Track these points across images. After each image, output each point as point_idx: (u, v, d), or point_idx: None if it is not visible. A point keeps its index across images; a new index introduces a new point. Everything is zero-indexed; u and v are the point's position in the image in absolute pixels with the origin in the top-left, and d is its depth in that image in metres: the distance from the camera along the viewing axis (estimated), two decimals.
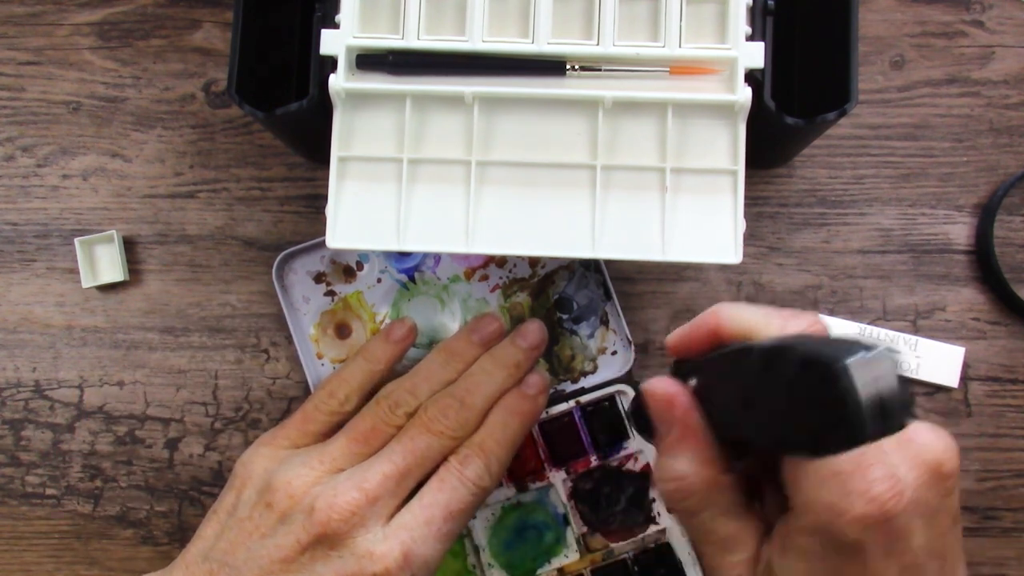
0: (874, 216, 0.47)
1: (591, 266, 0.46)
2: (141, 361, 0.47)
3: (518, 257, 0.46)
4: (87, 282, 0.47)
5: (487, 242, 0.36)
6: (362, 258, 0.46)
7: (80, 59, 0.49)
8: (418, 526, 0.34)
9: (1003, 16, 0.48)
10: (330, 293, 0.46)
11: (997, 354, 0.46)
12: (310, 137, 0.43)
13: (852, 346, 0.23)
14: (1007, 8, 0.48)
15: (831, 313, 0.46)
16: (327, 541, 0.33)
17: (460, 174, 0.37)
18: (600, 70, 0.36)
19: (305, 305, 0.46)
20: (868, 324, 0.46)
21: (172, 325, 0.48)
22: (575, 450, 0.44)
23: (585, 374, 0.46)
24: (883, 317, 0.47)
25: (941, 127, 0.48)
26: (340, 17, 0.36)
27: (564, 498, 0.44)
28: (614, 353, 0.46)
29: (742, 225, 0.36)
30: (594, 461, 0.44)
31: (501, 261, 0.46)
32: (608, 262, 0.46)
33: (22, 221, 0.48)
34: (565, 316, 0.46)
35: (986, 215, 0.46)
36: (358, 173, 0.37)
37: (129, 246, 0.48)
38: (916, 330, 0.46)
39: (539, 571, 0.44)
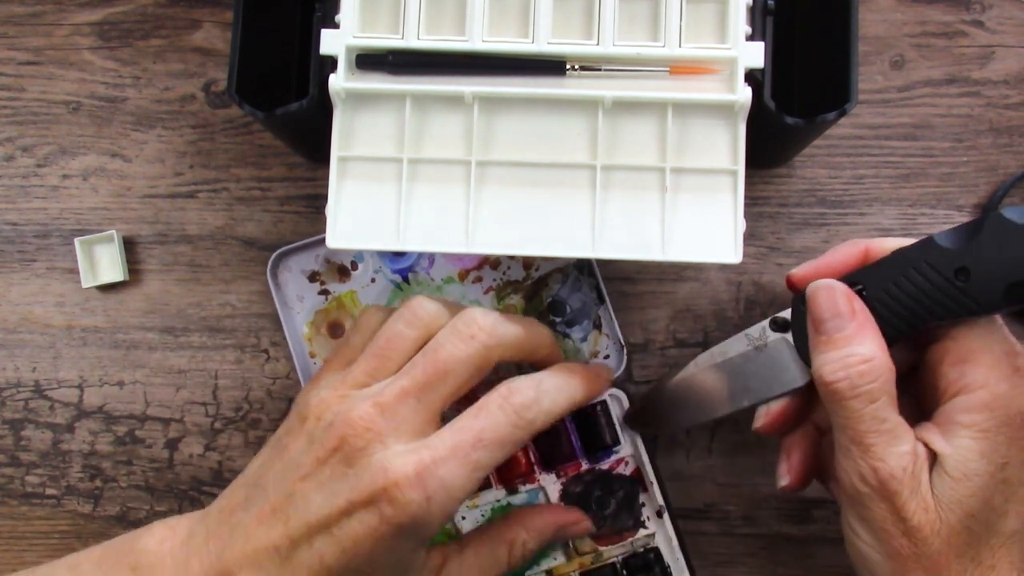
0: (874, 216, 0.47)
1: (584, 269, 0.46)
2: (141, 361, 0.47)
3: (512, 259, 0.46)
4: (87, 282, 0.47)
5: (487, 242, 0.36)
6: (357, 258, 0.46)
7: (80, 59, 0.49)
8: (442, 448, 0.32)
9: (1003, 16, 0.48)
10: (324, 292, 0.46)
11: None
12: (310, 137, 0.43)
13: None
14: (1007, 8, 0.48)
15: None
16: (342, 456, 0.32)
17: (460, 174, 0.37)
18: (600, 70, 0.36)
19: (299, 304, 0.46)
20: None
21: (172, 325, 0.48)
22: (565, 454, 0.44)
23: None
24: None
25: (941, 127, 0.48)
26: (340, 17, 0.37)
27: (554, 501, 0.44)
28: (607, 357, 0.46)
29: (742, 225, 0.36)
30: (584, 465, 0.44)
31: (495, 263, 0.46)
32: (605, 263, 0.46)
33: (22, 221, 0.48)
34: (558, 319, 0.46)
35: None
36: (358, 173, 0.37)
37: (129, 246, 0.48)
38: None
39: (528, 574, 0.44)
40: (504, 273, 0.46)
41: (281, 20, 0.43)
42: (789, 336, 0.38)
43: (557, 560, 0.44)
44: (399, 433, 0.33)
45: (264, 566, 0.32)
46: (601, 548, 0.44)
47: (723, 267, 0.47)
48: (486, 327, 0.35)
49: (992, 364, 0.33)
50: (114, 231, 0.47)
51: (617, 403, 0.44)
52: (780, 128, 0.37)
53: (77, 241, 0.47)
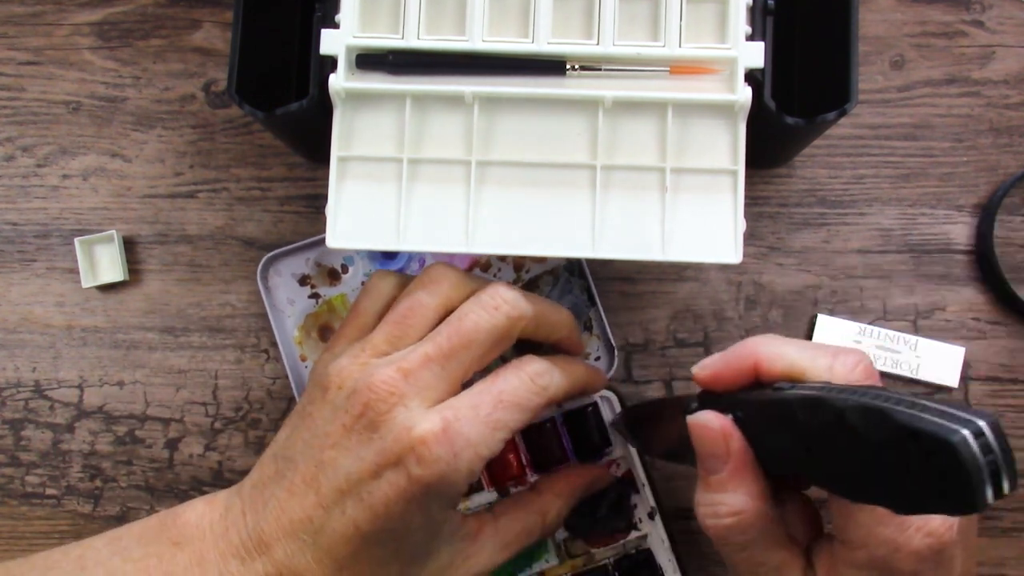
0: (874, 216, 0.47)
1: (575, 271, 0.46)
2: (141, 361, 0.47)
3: (502, 260, 0.46)
4: (87, 282, 0.47)
5: (487, 242, 0.36)
6: (347, 261, 0.46)
7: (80, 59, 0.49)
8: (463, 407, 0.33)
9: (1003, 16, 0.48)
10: (315, 296, 0.46)
11: (997, 354, 0.46)
12: (310, 137, 0.43)
13: (949, 415, 0.23)
14: (1007, 8, 0.48)
15: (831, 313, 0.46)
16: (367, 422, 0.32)
17: (460, 174, 0.37)
18: (600, 70, 0.36)
19: (289, 307, 0.46)
20: (868, 324, 0.46)
21: (172, 325, 0.48)
22: (557, 456, 0.44)
23: None
24: (883, 317, 0.47)
25: (941, 127, 0.48)
26: (340, 17, 0.36)
27: None
28: (597, 359, 0.46)
29: (742, 225, 0.36)
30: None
31: (486, 265, 0.46)
32: (603, 263, 0.46)
33: (22, 221, 0.48)
34: None
35: (986, 215, 0.46)
36: (358, 173, 0.37)
37: (129, 246, 0.48)
38: (916, 330, 0.46)
39: (520, 575, 0.44)
40: (495, 275, 0.46)
41: (281, 20, 0.43)
42: None
43: (549, 562, 0.44)
44: (422, 397, 0.33)
45: (299, 536, 0.32)
46: (593, 550, 0.44)
47: (723, 267, 0.47)
48: (510, 299, 0.35)
49: (871, 523, 0.29)
50: (114, 231, 0.47)
51: (608, 405, 0.44)
52: (780, 128, 0.37)
53: (77, 241, 0.47)
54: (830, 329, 0.46)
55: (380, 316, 0.37)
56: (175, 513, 0.36)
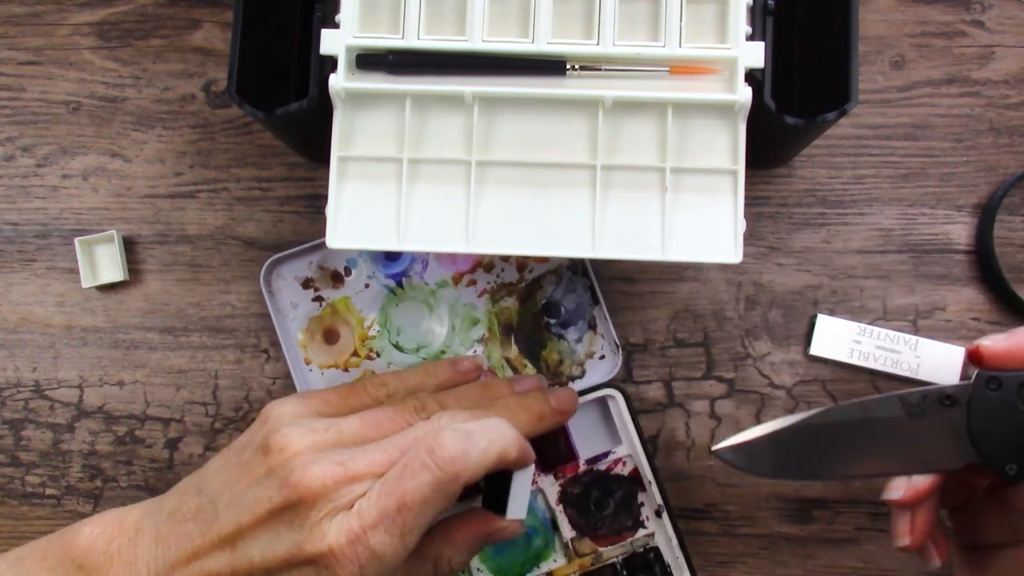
0: (874, 216, 0.47)
1: (579, 270, 0.46)
2: (141, 361, 0.47)
3: (505, 261, 0.46)
4: (87, 282, 0.47)
5: (487, 242, 0.36)
6: (350, 263, 0.46)
7: (80, 59, 0.49)
8: (370, 516, 0.32)
9: (1003, 16, 0.48)
10: (318, 299, 0.46)
11: None
12: (310, 137, 0.43)
13: None
14: (1007, 8, 0.48)
15: (831, 313, 0.46)
16: (294, 509, 0.33)
17: (460, 174, 0.37)
18: (600, 70, 0.36)
19: (293, 311, 0.46)
20: (868, 324, 0.46)
21: (172, 325, 0.48)
22: (563, 455, 0.44)
23: (573, 379, 0.46)
24: (883, 317, 0.47)
25: (941, 127, 0.48)
26: (340, 17, 0.36)
27: (553, 503, 0.44)
28: (602, 357, 0.46)
29: (742, 225, 0.36)
30: (582, 466, 0.44)
31: (489, 265, 0.46)
32: (604, 263, 0.46)
33: (22, 221, 0.48)
34: (553, 320, 0.46)
35: (986, 215, 0.46)
36: (358, 173, 0.37)
37: (129, 246, 0.48)
38: (916, 330, 0.46)
39: (528, 575, 0.44)
40: (498, 276, 0.46)
41: (281, 20, 0.43)
42: (954, 412, 0.35)
43: (557, 562, 0.44)
44: (348, 500, 0.33)
45: None
46: (601, 549, 0.44)
47: (723, 267, 0.47)
48: (463, 458, 0.33)
49: None
50: (114, 231, 0.47)
51: (615, 405, 0.44)
52: (780, 128, 0.37)
53: (77, 241, 0.47)
54: (830, 329, 0.46)
55: (368, 406, 0.38)
56: (78, 532, 0.35)
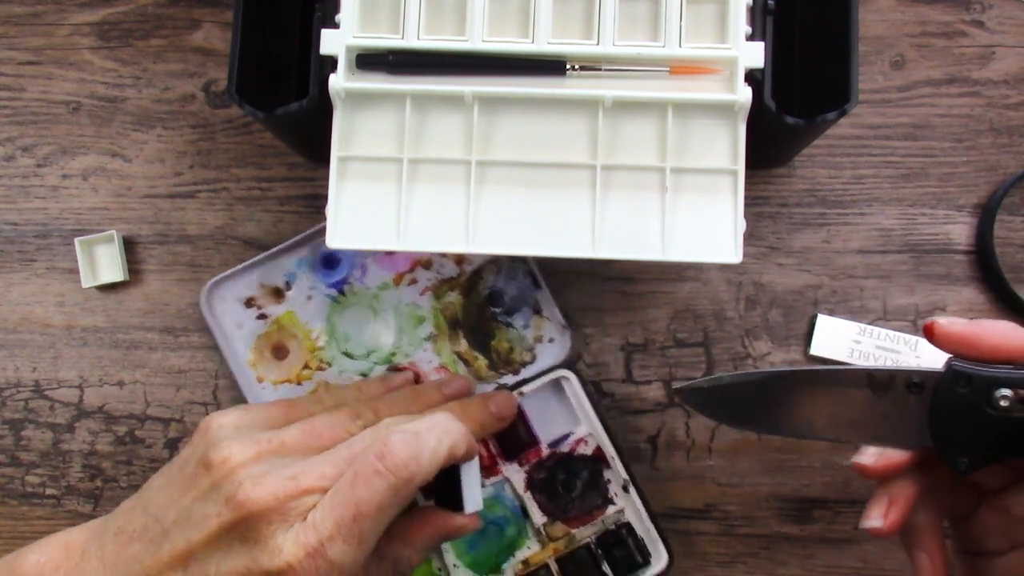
0: (874, 216, 0.47)
1: (517, 257, 0.46)
2: (141, 361, 0.47)
3: (443, 256, 0.46)
4: (87, 282, 0.47)
5: (487, 242, 0.36)
6: (289, 278, 0.46)
7: (80, 59, 0.49)
8: (326, 527, 0.32)
9: (1003, 16, 0.48)
10: (262, 316, 0.46)
11: None
12: (310, 137, 0.43)
13: None
14: (1007, 8, 0.48)
15: (831, 313, 0.46)
16: (245, 525, 0.32)
17: (460, 174, 0.37)
18: (600, 70, 0.36)
19: (239, 331, 0.46)
20: (868, 324, 0.46)
21: (172, 325, 0.48)
22: (525, 442, 0.45)
23: (524, 364, 0.46)
24: (883, 317, 0.47)
25: (941, 127, 0.48)
26: (340, 17, 0.37)
27: (520, 490, 0.45)
28: (551, 340, 0.46)
29: (742, 225, 0.36)
30: (545, 451, 0.45)
31: (427, 263, 0.46)
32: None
33: (22, 221, 0.48)
34: (498, 310, 0.46)
35: (986, 215, 0.46)
36: (358, 173, 0.37)
37: (129, 246, 0.48)
38: (916, 330, 0.46)
39: (504, 566, 0.44)
40: (438, 272, 0.46)
41: (281, 20, 0.43)
42: (917, 399, 0.35)
43: (532, 549, 0.44)
44: (298, 514, 0.32)
45: None
46: (573, 530, 0.44)
47: (723, 267, 0.47)
48: (411, 460, 0.33)
49: None
50: (114, 231, 0.47)
51: (568, 385, 0.44)
52: (780, 128, 0.37)
53: (77, 241, 0.47)
54: (830, 329, 0.46)
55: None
56: (23, 559, 0.35)
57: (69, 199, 0.48)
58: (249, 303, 0.46)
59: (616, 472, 0.44)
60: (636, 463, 0.46)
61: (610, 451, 0.44)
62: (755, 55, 0.36)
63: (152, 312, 0.48)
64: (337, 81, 0.36)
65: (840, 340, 0.46)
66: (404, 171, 0.37)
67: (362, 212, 0.37)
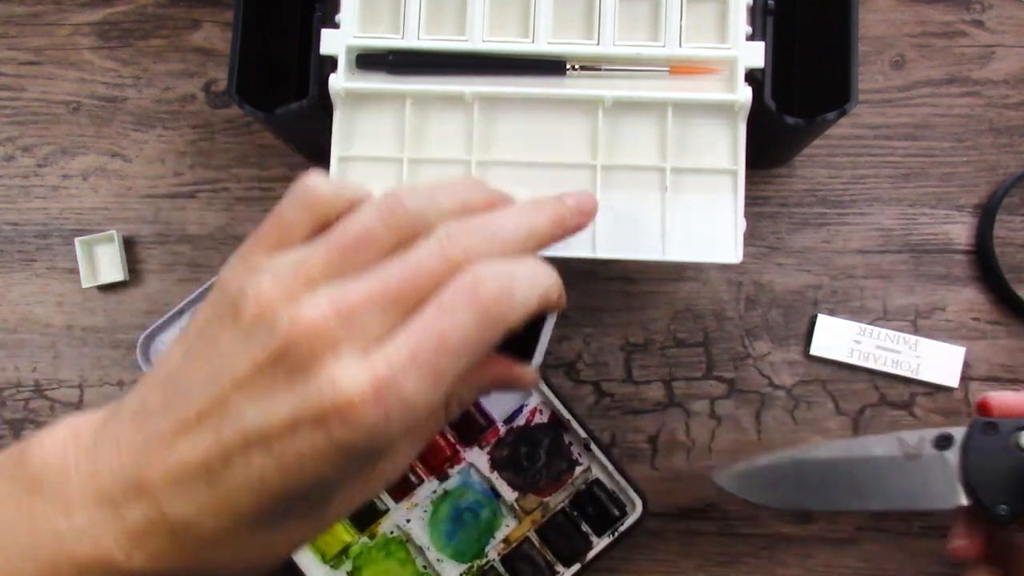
0: (874, 216, 0.47)
1: None
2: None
3: None
4: (87, 282, 0.47)
5: None
6: None
7: (80, 59, 0.49)
8: (400, 357, 0.26)
9: (1003, 16, 0.48)
10: None
11: (997, 354, 0.46)
12: (310, 137, 0.43)
13: None
14: (1007, 8, 0.48)
15: (831, 313, 0.46)
16: (287, 362, 0.26)
17: (461, 174, 0.37)
18: (600, 70, 0.36)
19: None
20: (868, 324, 0.46)
21: None
22: (481, 424, 0.45)
23: None
24: (883, 317, 0.47)
25: (941, 127, 0.48)
26: (340, 17, 0.37)
27: (487, 472, 0.45)
28: None
29: (743, 225, 0.36)
30: (502, 428, 0.45)
31: None
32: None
33: (22, 221, 0.48)
34: None
35: (986, 215, 0.46)
36: (359, 173, 0.37)
37: (129, 246, 0.48)
38: (916, 330, 0.46)
39: (487, 548, 0.45)
40: None
41: (281, 20, 0.43)
42: (949, 454, 0.36)
43: (510, 526, 0.45)
44: (355, 341, 0.26)
45: (190, 485, 0.27)
46: (546, 499, 0.45)
47: (723, 267, 0.47)
48: (480, 251, 0.28)
49: None
50: (114, 231, 0.47)
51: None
52: (780, 128, 0.37)
53: (77, 241, 0.47)
54: (830, 329, 0.46)
55: (311, 230, 0.30)
56: (32, 446, 0.29)
57: (69, 199, 0.48)
58: None
59: (575, 433, 0.45)
60: (636, 463, 0.46)
61: (565, 415, 0.45)
62: (755, 55, 0.36)
63: (152, 312, 0.48)
64: (337, 81, 0.36)
65: (840, 340, 0.46)
66: (405, 171, 0.37)
67: None
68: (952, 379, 0.46)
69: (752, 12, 0.37)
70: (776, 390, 0.46)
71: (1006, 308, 0.47)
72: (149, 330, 0.46)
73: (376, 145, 0.37)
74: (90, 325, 0.48)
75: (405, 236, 0.29)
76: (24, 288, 0.48)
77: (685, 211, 0.36)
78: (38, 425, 0.47)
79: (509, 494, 0.45)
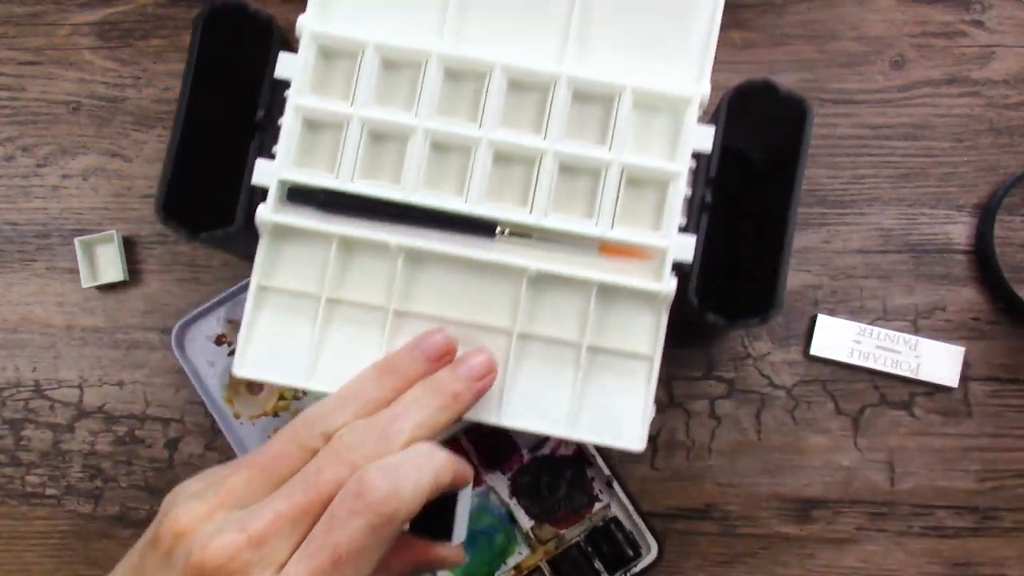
0: (874, 216, 0.47)
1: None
2: (141, 361, 0.47)
3: None
4: (87, 282, 0.47)
5: None
6: None
7: (80, 59, 0.49)
8: None
9: (1003, 16, 0.48)
10: (233, 352, 0.45)
11: (997, 354, 0.46)
12: (241, 253, 0.41)
13: None
14: (1007, 8, 0.48)
15: (831, 313, 0.46)
16: None
17: (377, 320, 0.36)
18: (530, 237, 0.35)
19: (212, 369, 0.46)
20: (868, 324, 0.46)
21: (172, 325, 0.47)
22: (506, 449, 0.45)
23: None
24: (883, 317, 0.47)
25: (941, 127, 0.48)
26: (277, 149, 0.35)
27: (506, 497, 0.45)
28: None
29: (651, 412, 0.35)
30: (526, 456, 0.45)
31: None
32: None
33: (22, 221, 0.48)
34: None
35: (986, 215, 0.46)
36: (275, 304, 0.36)
37: (129, 246, 0.48)
38: (916, 330, 0.46)
39: (496, 574, 0.44)
40: None
41: (222, 140, 0.39)
42: None
43: (522, 554, 0.44)
44: (267, 564, 0.29)
45: None
46: (562, 531, 0.44)
47: None
48: (370, 455, 0.30)
49: None
50: (114, 231, 0.47)
51: None
52: (701, 323, 0.37)
53: (77, 241, 0.47)
54: (830, 329, 0.46)
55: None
56: None
57: (69, 199, 0.48)
58: (219, 340, 0.46)
59: (599, 469, 0.44)
60: (636, 463, 0.46)
61: (591, 449, 0.44)
62: (685, 249, 0.35)
63: (152, 312, 0.48)
64: (265, 212, 0.35)
65: (840, 340, 0.46)
66: (321, 310, 0.36)
67: (274, 344, 0.36)
68: (952, 379, 0.46)
69: (689, 204, 0.36)
70: (776, 390, 0.46)
71: (1006, 308, 0.47)
72: (184, 320, 0.46)
73: (297, 280, 0.36)
74: (90, 325, 0.48)
75: (316, 450, 0.31)
76: (24, 288, 0.48)
77: (597, 391, 0.36)
78: (38, 425, 0.47)
79: (526, 522, 0.44)
